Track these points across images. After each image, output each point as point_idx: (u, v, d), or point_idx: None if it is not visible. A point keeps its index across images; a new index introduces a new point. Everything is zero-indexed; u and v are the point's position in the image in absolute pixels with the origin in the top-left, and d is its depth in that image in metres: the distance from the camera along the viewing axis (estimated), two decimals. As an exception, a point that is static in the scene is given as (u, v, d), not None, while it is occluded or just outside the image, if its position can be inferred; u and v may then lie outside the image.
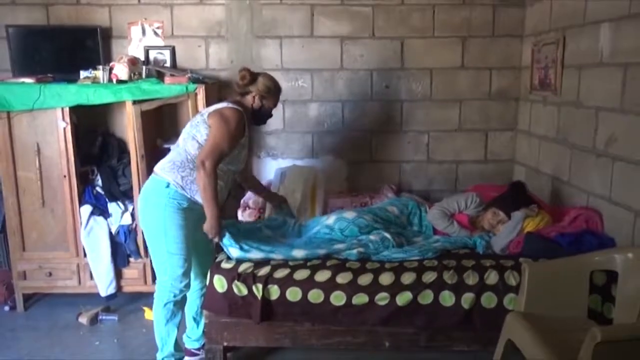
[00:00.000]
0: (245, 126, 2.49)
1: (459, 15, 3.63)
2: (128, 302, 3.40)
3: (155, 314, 2.54)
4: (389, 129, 3.78)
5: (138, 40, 3.62)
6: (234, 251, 2.50)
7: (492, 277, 2.43)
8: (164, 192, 2.40)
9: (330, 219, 2.88)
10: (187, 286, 2.52)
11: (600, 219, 2.71)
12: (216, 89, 3.52)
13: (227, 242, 2.50)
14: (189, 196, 2.41)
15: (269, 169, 3.79)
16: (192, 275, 2.61)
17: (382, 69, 3.69)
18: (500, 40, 3.67)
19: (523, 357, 2.10)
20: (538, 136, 3.47)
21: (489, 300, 2.41)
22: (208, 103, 3.14)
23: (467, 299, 2.40)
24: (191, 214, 2.45)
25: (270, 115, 2.66)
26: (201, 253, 2.63)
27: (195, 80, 3.22)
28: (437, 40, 3.66)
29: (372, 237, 2.71)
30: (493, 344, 2.29)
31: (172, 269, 2.45)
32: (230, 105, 2.47)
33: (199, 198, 2.41)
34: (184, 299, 2.58)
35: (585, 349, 1.75)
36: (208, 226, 2.41)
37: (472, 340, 2.49)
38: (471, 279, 2.43)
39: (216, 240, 2.48)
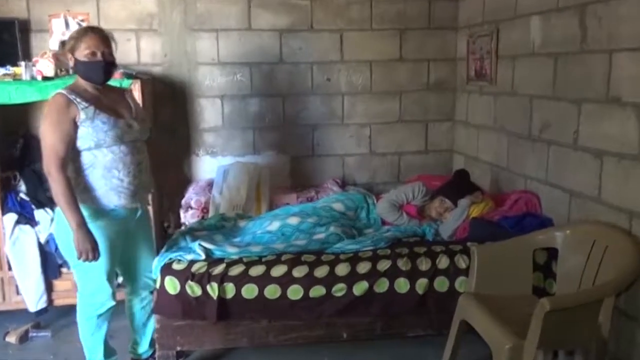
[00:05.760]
0: (75, 100, 2.15)
1: (395, 7, 3.68)
2: (61, 316, 3.13)
3: (80, 327, 2.42)
4: (331, 122, 3.78)
5: (60, 33, 3.32)
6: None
7: (443, 262, 2.49)
8: (58, 211, 2.22)
9: (273, 225, 2.80)
10: (110, 298, 2.35)
11: (539, 201, 2.86)
12: (152, 84, 3.35)
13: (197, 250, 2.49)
14: (87, 206, 2.20)
15: (209, 168, 3.67)
16: (128, 289, 2.51)
17: (322, 61, 3.68)
18: (436, 33, 3.76)
19: (474, 338, 2.17)
20: (476, 125, 3.60)
21: (441, 284, 2.47)
22: (144, 99, 2.98)
23: (421, 284, 2.45)
24: (101, 224, 2.23)
25: (100, 62, 2.18)
26: (132, 266, 2.47)
27: (129, 76, 3.04)
28: (376, 32, 3.69)
29: (315, 237, 2.69)
30: (446, 327, 2.35)
31: (88, 283, 2.32)
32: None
33: (96, 202, 2.22)
34: (109, 310, 2.40)
35: (536, 318, 1.85)
36: (75, 240, 2.12)
37: (426, 325, 2.54)
38: (424, 264, 2.48)
39: (87, 260, 2.15)
